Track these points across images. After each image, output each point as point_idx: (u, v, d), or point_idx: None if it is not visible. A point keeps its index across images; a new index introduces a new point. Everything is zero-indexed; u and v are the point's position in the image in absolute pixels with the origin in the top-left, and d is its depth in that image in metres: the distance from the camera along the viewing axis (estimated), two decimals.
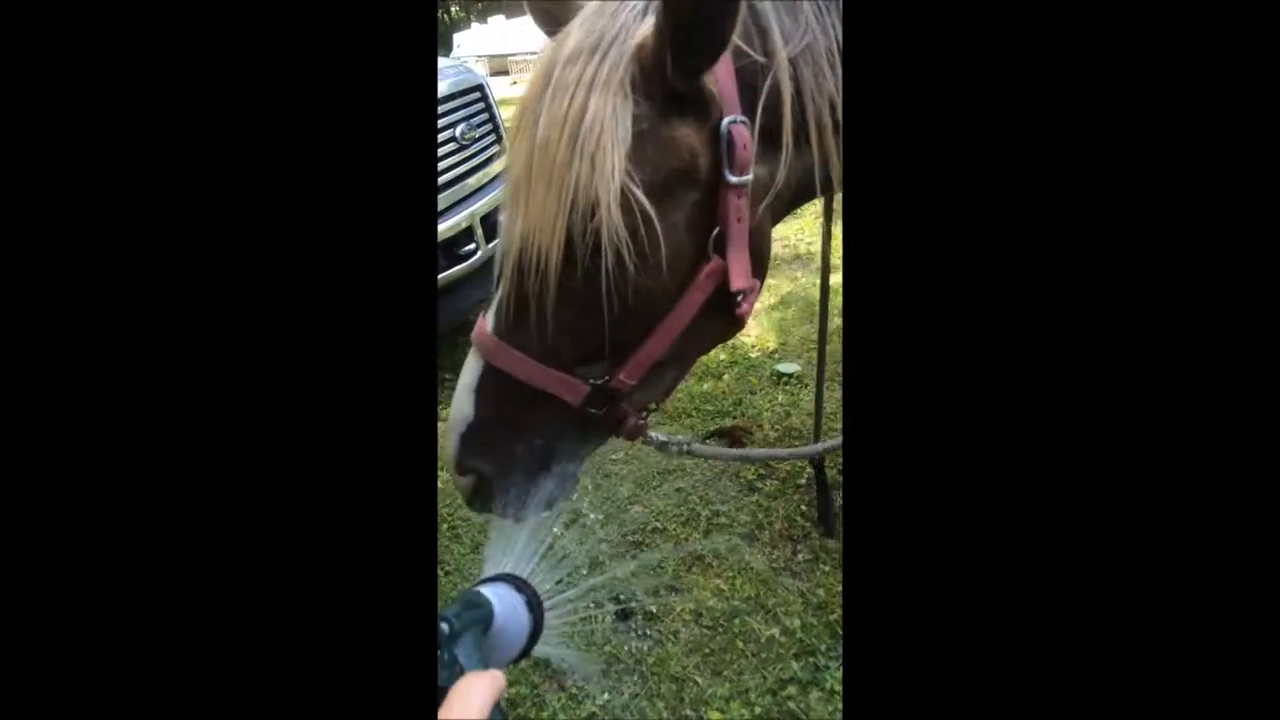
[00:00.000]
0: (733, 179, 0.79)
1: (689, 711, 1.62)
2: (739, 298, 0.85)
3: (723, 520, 2.18)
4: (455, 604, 0.60)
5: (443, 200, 3.07)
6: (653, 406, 0.97)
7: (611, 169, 0.73)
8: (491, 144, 3.52)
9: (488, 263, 3.24)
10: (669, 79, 0.75)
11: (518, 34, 14.69)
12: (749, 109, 0.81)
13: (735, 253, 0.82)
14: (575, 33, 0.78)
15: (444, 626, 0.55)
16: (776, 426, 2.61)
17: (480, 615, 0.60)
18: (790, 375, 2.89)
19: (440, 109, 3.16)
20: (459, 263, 3.06)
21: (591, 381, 0.84)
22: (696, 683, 1.68)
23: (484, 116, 3.48)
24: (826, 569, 1.96)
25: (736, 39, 0.76)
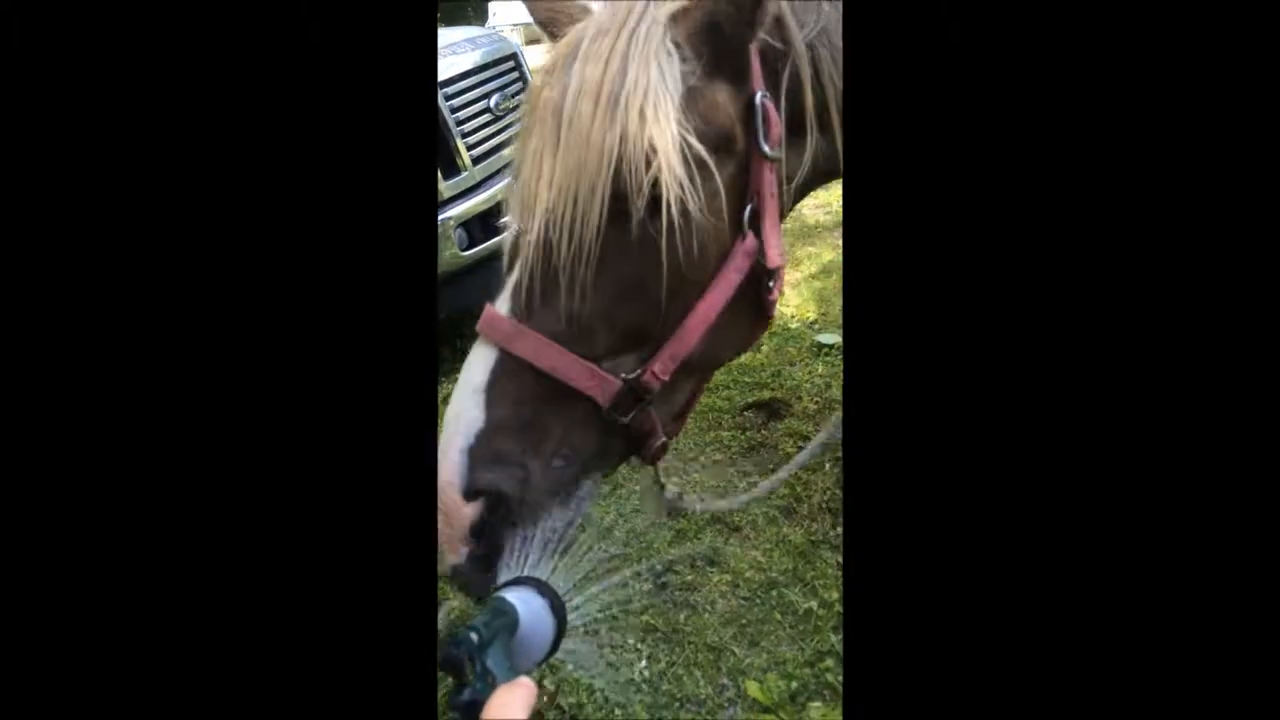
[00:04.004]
0: (768, 151, 0.79)
1: (725, 681, 1.63)
2: (770, 282, 0.83)
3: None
4: (482, 612, 0.60)
5: (478, 173, 3.07)
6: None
7: (666, 116, 0.71)
8: None
9: None
10: (730, 29, 0.74)
11: None
12: (773, 91, 0.81)
13: (770, 229, 0.81)
14: (597, 17, 0.78)
15: (473, 636, 0.55)
16: (816, 399, 2.57)
17: (506, 622, 0.60)
18: (831, 346, 2.83)
19: (474, 79, 3.15)
20: (495, 235, 3.07)
21: (623, 376, 0.75)
22: (734, 653, 1.69)
23: (519, 86, 3.45)
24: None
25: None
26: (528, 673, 0.57)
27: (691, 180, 0.72)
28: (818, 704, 1.53)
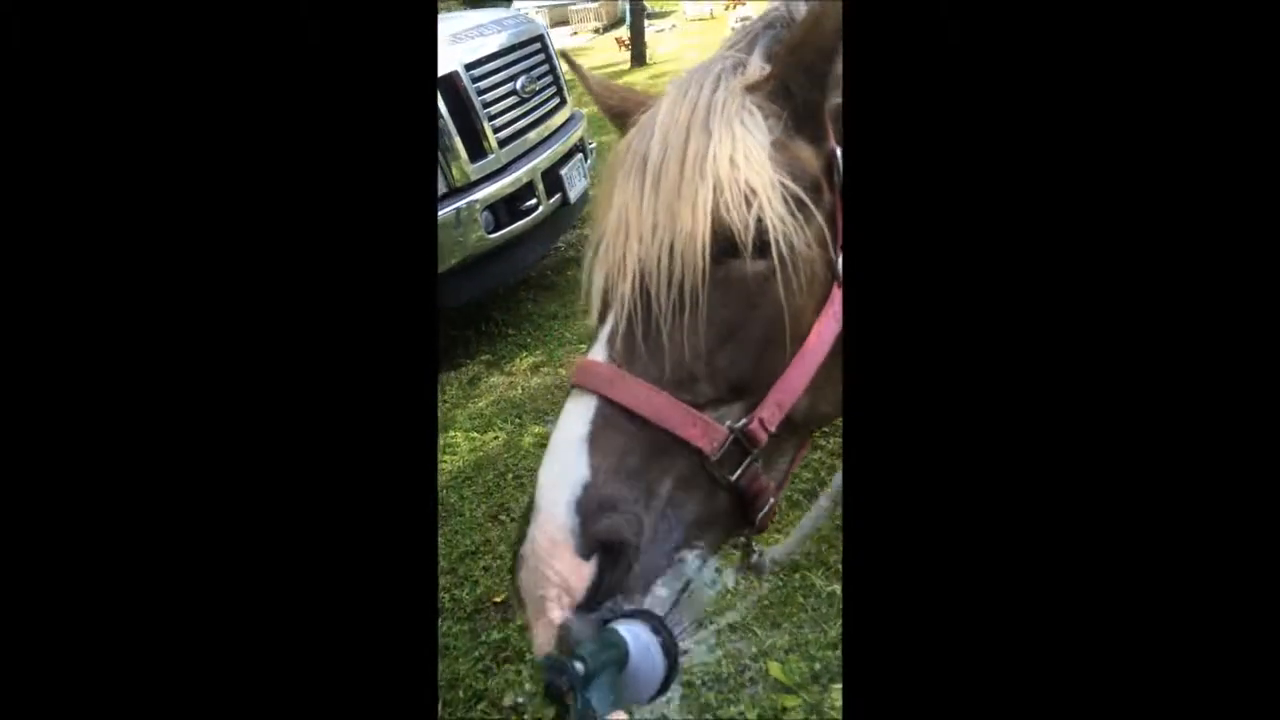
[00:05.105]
0: None
1: (748, 661, 1.64)
2: None
3: None
4: (591, 643, 0.58)
5: (504, 155, 3.08)
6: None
7: (760, 162, 0.72)
8: (552, 96, 3.49)
9: (549, 218, 3.24)
10: (804, 95, 0.77)
11: None
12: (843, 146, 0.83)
13: None
14: (670, 95, 0.80)
15: (578, 666, 0.53)
16: None
17: (615, 656, 0.57)
18: None
19: (500, 61, 3.14)
20: (521, 218, 3.08)
21: (730, 425, 0.72)
22: (756, 633, 1.70)
23: (544, 68, 3.44)
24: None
25: None
26: (629, 713, 0.56)
27: (794, 216, 0.73)
28: (839, 685, 1.55)
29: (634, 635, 0.60)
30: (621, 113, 0.93)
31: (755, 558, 0.92)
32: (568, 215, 3.44)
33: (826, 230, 0.79)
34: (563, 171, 3.30)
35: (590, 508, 0.66)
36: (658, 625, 0.62)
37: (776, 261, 0.72)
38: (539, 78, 3.32)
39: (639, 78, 9.30)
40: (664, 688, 0.61)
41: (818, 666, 1.59)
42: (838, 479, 1.21)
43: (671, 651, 0.61)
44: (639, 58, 10.70)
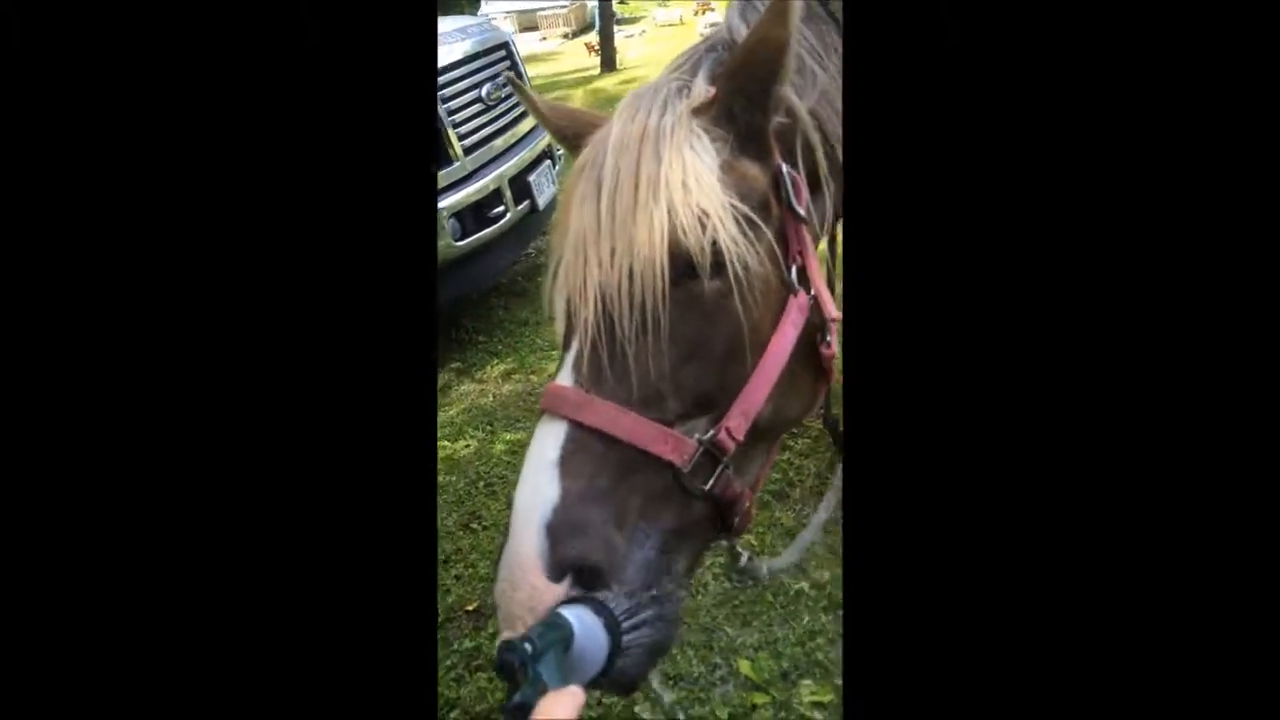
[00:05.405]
0: (801, 213, 0.84)
1: (718, 660, 1.66)
2: (826, 336, 0.87)
3: None
4: (537, 625, 0.62)
5: (470, 163, 3.07)
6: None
7: (710, 185, 0.76)
8: (518, 104, 3.49)
9: (517, 225, 3.24)
10: (747, 118, 0.81)
11: None
12: (789, 160, 0.87)
13: (818, 284, 0.86)
14: (619, 119, 0.83)
15: (527, 646, 0.58)
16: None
17: (560, 636, 0.61)
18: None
19: (465, 69, 3.14)
20: (489, 225, 3.08)
21: (698, 437, 0.75)
22: (726, 632, 1.72)
23: (511, 75, 3.44)
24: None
25: None
26: (582, 685, 0.59)
27: (745, 236, 0.77)
28: (808, 682, 1.57)
29: (578, 617, 0.64)
30: (573, 134, 0.95)
31: (745, 561, 0.94)
32: (537, 222, 3.44)
33: (776, 246, 0.83)
34: (531, 178, 3.30)
35: (560, 532, 0.68)
36: (599, 608, 0.65)
37: (733, 280, 0.75)
38: (503, 85, 3.33)
39: (609, 83, 9.32)
40: (610, 663, 0.65)
41: (786, 664, 1.62)
42: (830, 497, 1.24)
43: (615, 631, 0.65)
44: (609, 63, 10.73)
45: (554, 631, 0.61)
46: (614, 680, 0.68)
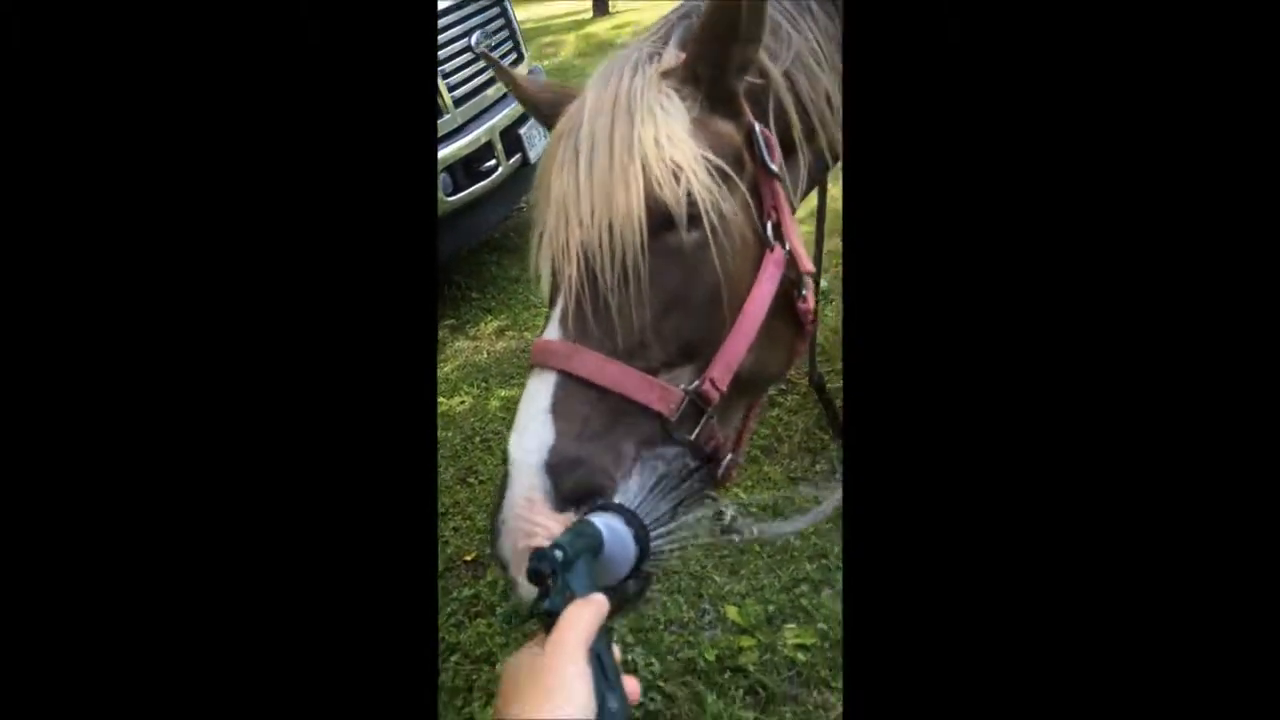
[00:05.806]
0: (775, 169, 0.86)
1: (707, 606, 1.74)
2: (803, 290, 0.89)
3: None
4: (567, 532, 0.64)
5: (460, 115, 3.01)
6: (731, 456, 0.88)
7: (681, 139, 0.78)
8: (509, 51, 3.40)
9: (509, 179, 3.20)
10: (714, 78, 0.82)
11: None
12: (762, 120, 0.89)
13: (794, 239, 0.87)
14: (593, 87, 0.84)
15: (558, 553, 0.58)
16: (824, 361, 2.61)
17: (590, 543, 0.63)
18: (825, 291, 2.83)
19: (452, 17, 3.05)
20: (481, 180, 3.04)
21: (683, 387, 0.77)
22: (714, 580, 1.80)
23: (500, 23, 3.35)
24: (841, 478, 2.01)
25: None
26: (608, 590, 0.61)
27: (719, 186, 0.79)
28: (792, 625, 1.65)
29: (607, 525, 0.67)
30: (552, 108, 0.97)
31: (729, 520, 0.98)
32: (529, 176, 3.39)
33: (750, 199, 0.85)
34: (522, 131, 3.25)
35: (560, 469, 0.71)
36: (629, 517, 0.68)
37: (709, 230, 0.78)
38: (494, 33, 3.24)
39: (601, 27, 9.03)
40: (635, 570, 0.68)
41: (771, 609, 1.70)
42: (836, 495, 1.28)
43: (642, 539, 0.68)
44: (601, 6, 10.38)
45: (584, 539, 0.63)
46: (640, 582, 0.71)
